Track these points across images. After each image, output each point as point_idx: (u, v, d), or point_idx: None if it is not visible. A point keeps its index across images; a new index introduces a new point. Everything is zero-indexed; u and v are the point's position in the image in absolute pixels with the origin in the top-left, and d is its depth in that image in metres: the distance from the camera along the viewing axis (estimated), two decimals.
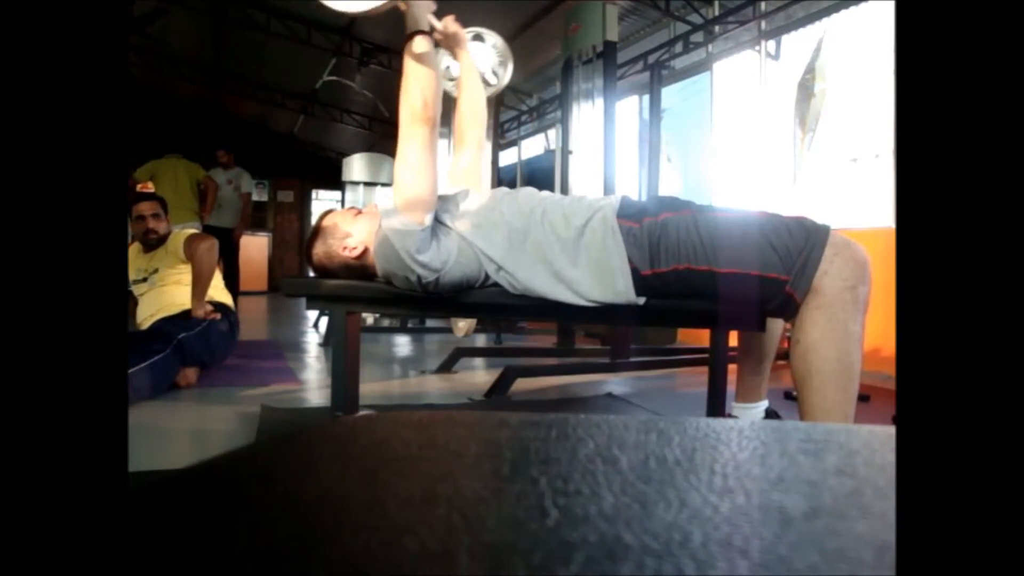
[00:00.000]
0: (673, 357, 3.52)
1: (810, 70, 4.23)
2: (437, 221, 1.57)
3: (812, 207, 4.11)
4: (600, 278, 1.48)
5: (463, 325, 4.16)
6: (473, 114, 1.89)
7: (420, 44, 1.57)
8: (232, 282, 6.11)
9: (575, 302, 1.52)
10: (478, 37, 2.03)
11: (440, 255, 1.53)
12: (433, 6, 1.66)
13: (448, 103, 1.81)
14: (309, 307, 1.93)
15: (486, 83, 2.01)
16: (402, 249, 1.50)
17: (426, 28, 1.61)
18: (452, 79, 2.02)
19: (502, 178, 7.33)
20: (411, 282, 1.54)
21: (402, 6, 1.58)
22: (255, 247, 9.73)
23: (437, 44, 1.79)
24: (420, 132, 1.53)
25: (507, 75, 2.08)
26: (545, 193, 1.63)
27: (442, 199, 1.62)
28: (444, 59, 2.10)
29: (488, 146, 5.39)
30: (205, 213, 5.64)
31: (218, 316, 2.76)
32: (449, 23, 1.78)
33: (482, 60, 2.02)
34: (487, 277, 1.59)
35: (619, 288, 1.48)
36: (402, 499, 0.23)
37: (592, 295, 1.50)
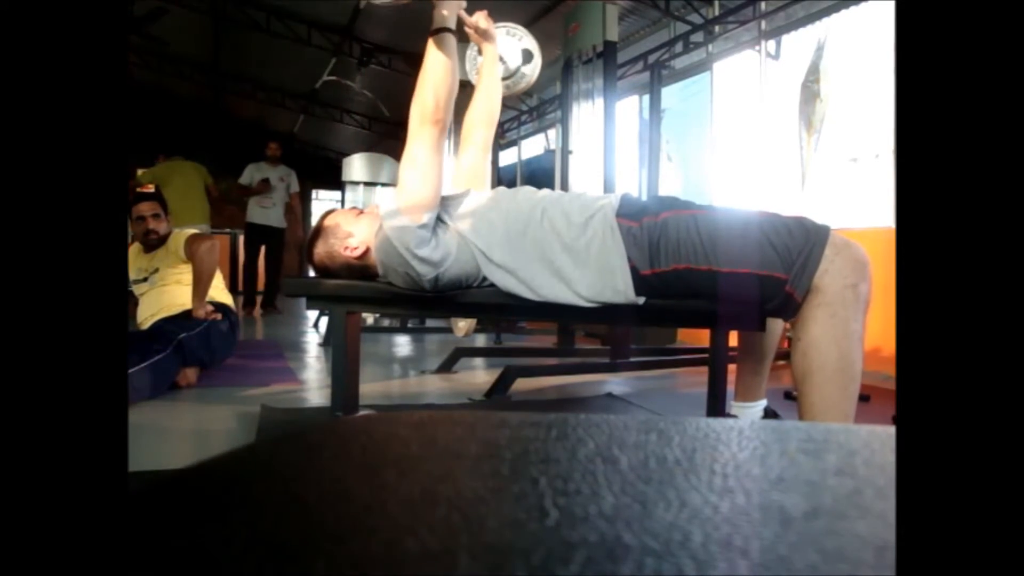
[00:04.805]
0: (673, 357, 3.52)
1: (813, 71, 4.22)
2: (438, 219, 1.57)
3: (817, 208, 4.10)
4: (601, 277, 1.48)
5: (463, 325, 4.16)
6: (486, 113, 1.87)
7: (442, 42, 1.53)
8: (273, 281, 5.85)
9: (574, 302, 1.51)
10: (508, 34, 2.03)
11: (439, 251, 1.52)
12: (463, 4, 1.63)
13: (460, 103, 1.72)
14: (309, 307, 1.93)
15: (513, 81, 2.04)
16: (401, 246, 1.50)
17: (452, 26, 1.56)
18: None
19: (502, 178, 7.33)
20: (411, 279, 1.54)
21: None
22: None
23: (466, 39, 1.78)
24: (429, 133, 1.52)
25: (534, 74, 2.08)
26: (544, 191, 1.62)
27: (444, 200, 1.61)
28: (470, 52, 2.10)
29: None
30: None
31: (219, 316, 2.76)
32: (481, 19, 1.78)
33: (509, 57, 2.01)
34: (484, 277, 1.59)
35: (619, 287, 1.48)
36: (402, 499, 0.23)
37: (591, 294, 1.50)
